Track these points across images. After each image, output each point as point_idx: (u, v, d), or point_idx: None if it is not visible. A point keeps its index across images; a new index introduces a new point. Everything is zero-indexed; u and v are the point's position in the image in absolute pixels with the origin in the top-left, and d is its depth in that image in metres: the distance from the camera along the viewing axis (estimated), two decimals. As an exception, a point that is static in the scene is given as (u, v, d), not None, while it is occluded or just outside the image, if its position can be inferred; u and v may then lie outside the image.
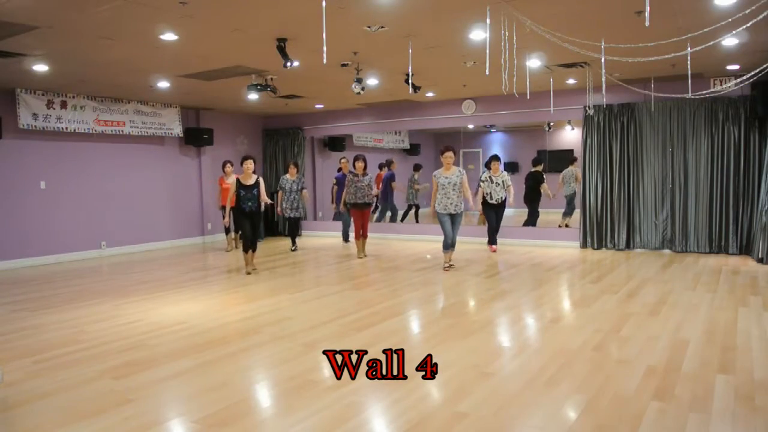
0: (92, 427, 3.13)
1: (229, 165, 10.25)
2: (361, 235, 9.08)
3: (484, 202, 9.30)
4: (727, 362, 3.93)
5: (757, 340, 4.41)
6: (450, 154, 7.50)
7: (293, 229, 10.27)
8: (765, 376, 3.66)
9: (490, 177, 9.20)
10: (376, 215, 12.95)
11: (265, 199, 7.86)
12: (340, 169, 11.45)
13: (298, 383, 3.71)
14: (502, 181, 9.19)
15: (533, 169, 10.89)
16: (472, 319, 5.30)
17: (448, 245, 7.74)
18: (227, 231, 10.29)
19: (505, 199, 9.28)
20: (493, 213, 9.34)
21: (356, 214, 9.05)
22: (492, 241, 9.58)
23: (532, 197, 10.83)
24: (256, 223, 7.86)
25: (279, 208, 9.92)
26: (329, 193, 13.65)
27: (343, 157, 11.63)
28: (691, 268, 7.62)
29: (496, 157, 9.35)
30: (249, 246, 7.85)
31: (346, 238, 11.34)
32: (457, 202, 7.51)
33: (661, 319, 5.08)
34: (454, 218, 7.63)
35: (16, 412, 3.39)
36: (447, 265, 7.85)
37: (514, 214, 10.89)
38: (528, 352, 4.28)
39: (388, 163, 12.73)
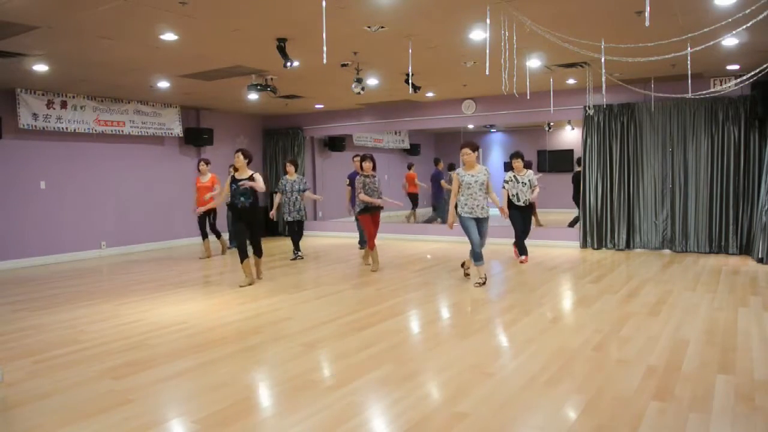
0: (92, 427, 3.13)
1: (203, 163, 9.56)
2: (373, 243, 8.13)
3: (510, 205, 8.16)
4: (727, 362, 3.93)
5: (757, 340, 4.41)
6: (467, 150, 6.56)
7: (295, 234, 9.26)
8: (765, 376, 3.66)
9: (514, 177, 8.14)
10: (418, 216, 13.03)
11: (259, 186, 6.84)
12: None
13: (298, 383, 3.71)
14: (528, 181, 8.11)
15: (577, 169, 10.85)
16: (472, 319, 5.30)
17: (479, 255, 6.64)
18: (204, 236, 9.51)
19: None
20: (520, 216, 8.22)
21: (368, 219, 8.03)
22: (521, 250, 8.42)
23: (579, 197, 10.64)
24: (251, 222, 6.99)
25: (273, 212, 9.25)
26: (334, 194, 13.67)
27: (356, 155, 10.76)
28: (691, 268, 7.62)
29: (517, 155, 8.26)
30: (245, 254, 6.94)
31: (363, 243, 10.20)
32: (484, 204, 6.60)
33: (661, 319, 5.08)
34: (481, 224, 6.64)
35: (16, 412, 3.39)
36: (482, 280, 6.69)
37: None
38: (528, 352, 4.28)
39: (435, 162, 12.74)
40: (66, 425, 3.15)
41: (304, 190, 9.13)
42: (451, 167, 13.22)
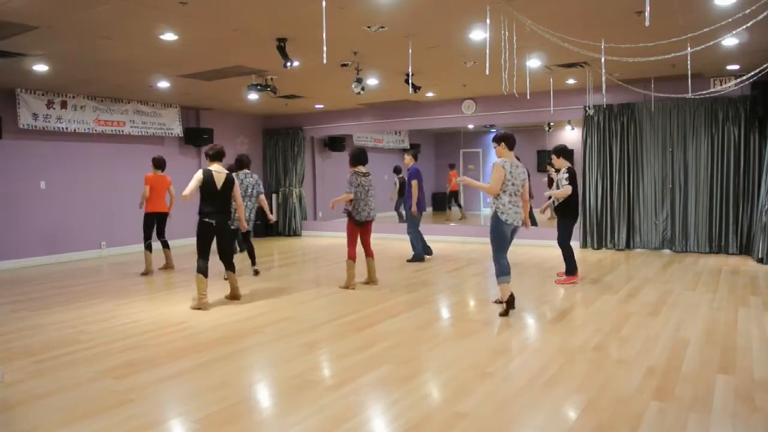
0: (92, 427, 3.13)
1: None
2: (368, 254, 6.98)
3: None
4: (727, 362, 3.93)
5: (757, 340, 4.41)
6: (502, 144, 5.42)
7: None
8: (765, 376, 3.66)
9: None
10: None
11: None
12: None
13: (298, 383, 3.71)
14: (557, 180, 6.81)
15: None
16: (472, 319, 5.29)
17: (507, 270, 5.35)
18: (151, 246, 8.08)
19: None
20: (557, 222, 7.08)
21: (360, 228, 6.80)
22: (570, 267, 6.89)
23: None
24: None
25: (271, 215, 7.81)
26: (330, 193, 13.68)
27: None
28: (691, 268, 7.62)
29: (556, 150, 6.89)
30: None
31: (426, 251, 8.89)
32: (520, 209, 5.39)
33: (661, 319, 5.08)
34: (514, 233, 5.45)
35: (16, 412, 3.39)
36: (501, 301, 5.46)
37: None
38: (528, 352, 4.28)
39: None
40: (66, 425, 3.15)
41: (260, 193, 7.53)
42: None
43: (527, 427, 3.04)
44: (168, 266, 8.39)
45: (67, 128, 9.31)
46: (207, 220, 5.86)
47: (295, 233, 12.94)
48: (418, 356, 4.25)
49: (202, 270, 5.91)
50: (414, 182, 8.47)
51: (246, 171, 7.52)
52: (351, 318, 5.35)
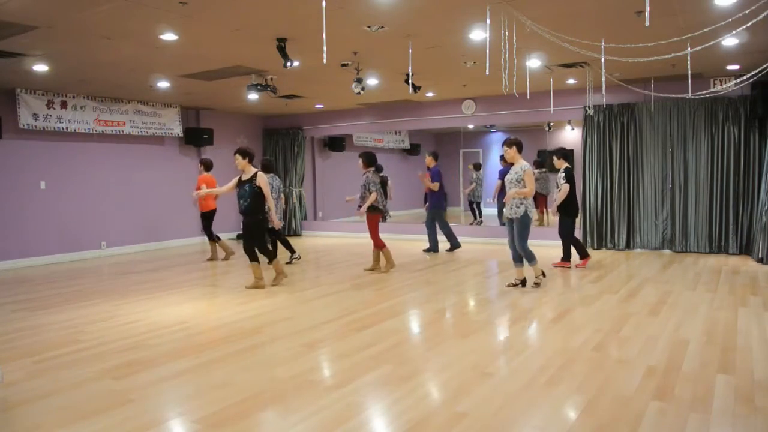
0: (92, 427, 3.13)
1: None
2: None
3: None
4: (727, 362, 3.93)
5: (757, 340, 4.41)
6: (504, 147, 6.60)
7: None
8: (765, 376, 3.66)
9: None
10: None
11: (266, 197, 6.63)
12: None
13: (298, 383, 3.71)
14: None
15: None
16: (472, 319, 5.30)
17: (514, 257, 6.56)
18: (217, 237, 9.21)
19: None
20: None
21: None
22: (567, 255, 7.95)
23: None
24: (248, 226, 6.73)
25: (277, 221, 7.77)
26: (330, 193, 13.68)
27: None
28: (691, 268, 7.62)
29: (555, 152, 7.89)
30: (254, 256, 6.73)
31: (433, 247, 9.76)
32: (512, 204, 6.34)
33: (661, 319, 5.08)
34: (512, 224, 6.51)
35: (16, 411, 3.39)
36: (517, 281, 6.58)
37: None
38: (528, 352, 4.28)
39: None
40: (66, 425, 3.15)
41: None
42: (477, 166, 13.23)
43: (527, 427, 3.03)
44: (228, 255, 9.26)
45: (67, 128, 9.31)
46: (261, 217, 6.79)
47: (295, 233, 12.94)
48: (418, 356, 4.25)
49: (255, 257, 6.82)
50: (436, 184, 9.50)
51: (272, 174, 8.31)
52: (351, 318, 5.35)
